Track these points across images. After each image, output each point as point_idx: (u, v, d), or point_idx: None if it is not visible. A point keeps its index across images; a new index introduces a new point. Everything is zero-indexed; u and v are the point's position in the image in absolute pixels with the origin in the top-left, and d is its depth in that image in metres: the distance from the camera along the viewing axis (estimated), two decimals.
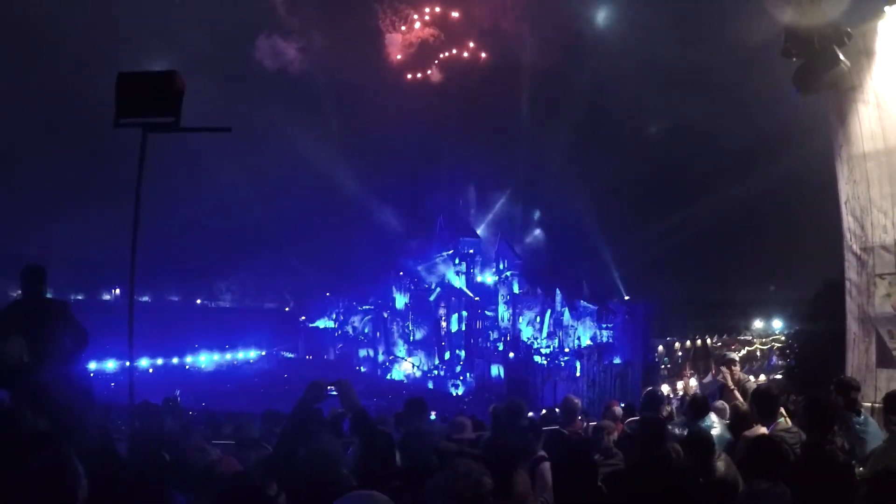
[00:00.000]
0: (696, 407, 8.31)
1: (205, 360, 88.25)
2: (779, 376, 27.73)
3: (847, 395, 7.20)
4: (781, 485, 4.90)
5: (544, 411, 12.76)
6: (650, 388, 13.15)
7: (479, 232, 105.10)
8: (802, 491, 4.96)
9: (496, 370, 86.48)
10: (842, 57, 9.17)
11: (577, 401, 9.19)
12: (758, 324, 68.06)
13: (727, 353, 11.30)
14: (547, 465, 6.18)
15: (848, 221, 10.07)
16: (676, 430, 7.77)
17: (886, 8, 9.36)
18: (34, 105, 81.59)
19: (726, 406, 9.22)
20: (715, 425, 7.89)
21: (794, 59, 9.69)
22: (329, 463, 4.25)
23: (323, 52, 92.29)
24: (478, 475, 3.65)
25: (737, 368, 10.73)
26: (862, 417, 6.89)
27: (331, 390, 4.87)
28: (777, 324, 61.94)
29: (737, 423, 8.02)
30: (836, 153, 10.25)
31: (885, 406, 6.36)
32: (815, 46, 9.24)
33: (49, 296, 6.69)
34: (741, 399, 9.54)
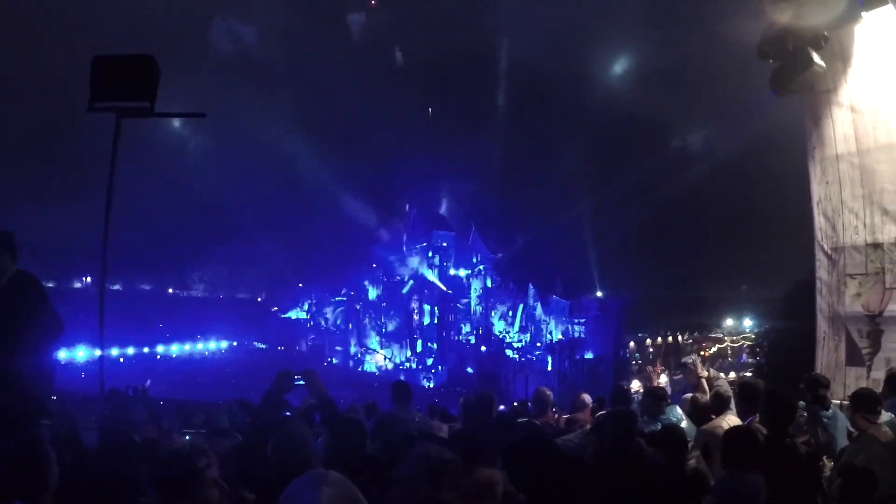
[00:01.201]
0: (655, 398, 8.35)
1: (176, 350, 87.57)
2: (749, 374, 27.96)
3: (815, 392, 7.28)
4: (756, 473, 4.95)
5: (515, 404, 12.79)
6: (619, 383, 13.30)
7: (452, 225, 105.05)
8: (767, 484, 5.02)
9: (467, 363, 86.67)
10: (817, 59, 9.27)
11: (549, 392, 9.21)
12: (729, 322, 68.64)
13: (685, 359, 11.36)
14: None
15: (820, 222, 10.21)
16: (645, 427, 7.82)
17: (864, 13, 9.46)
18: (3, 88, 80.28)
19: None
20: (682, 419, 7.94)
21: (771, 61, 9.78)
22: (298, 450, 4.23)
23: (287, 36, 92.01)
24: (450, 458, 3.67)
25: (699, 366, 10.80)
26: (830, 412, 6.97)
27: (298, 380, 4.86)
28: (748, 322, 62.53)
29: (695, 414, 8.09)
30: (809, 154, 10.38)
31: (855, 404, 6.44)
32: (790, 49, 9.33)
33: (17, 268, 6.18)
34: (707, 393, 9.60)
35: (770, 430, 5.79)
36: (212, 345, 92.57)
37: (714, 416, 7.86)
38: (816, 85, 9.88)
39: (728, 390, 8.68)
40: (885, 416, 6.63)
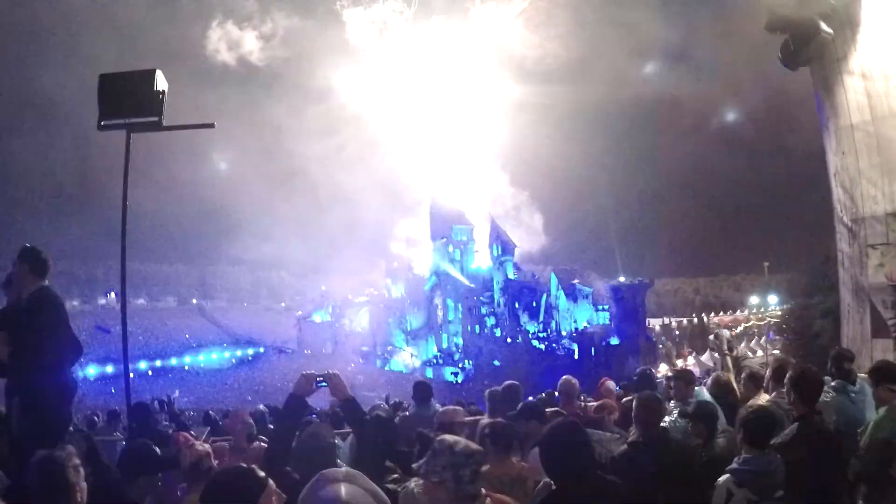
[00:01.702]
0: (683, 382, 8.30)
1: (203, 359, 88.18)
2: (776, 352, 27.72)
3: (840, 367, 7.20)
4: (772, 453, 4.93)
5: (542, 395, 12.75)
6: (644, 367, 13.20)
7: (471, 217, 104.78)
8: (795, 463, 4.98)
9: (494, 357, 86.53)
10: (824, 26, 9.16)
11: (574, 381, 9.18)
12: (754, 300, 68.16)
13: (718, 332, 11.32)
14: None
15: (838, 193, 10.09)
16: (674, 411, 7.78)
17: None
18: (16, 109, 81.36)
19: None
20: (708, 401, 7.89)
21: (779, 34, 9.69)
22: (322, 451, 4.26)
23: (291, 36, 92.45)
24: (475, 449, 3.67)
25: (729, 344, 10.75)
26: (857, 386, 6.89)
27: (320, 382, 4.88)
28: (773, 299, 62.05)
29: (718, 393, 8.04)
30: (823, 125, 10.25)
31: (875, 377, 6.37)
32: (798, 20, 9.23)
33: (46, 284, 6.14)
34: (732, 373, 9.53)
35: (797, 408, 5.74)
36: (239, 352, 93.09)
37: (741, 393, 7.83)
38: (826, 55, 9.77)
39: (759, 369, 8.62)
40: None
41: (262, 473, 3.10)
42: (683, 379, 8.41)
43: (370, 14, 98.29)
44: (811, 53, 9.56)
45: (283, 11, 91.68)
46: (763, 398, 7.57)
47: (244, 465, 3.16)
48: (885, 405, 6.07)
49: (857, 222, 9.79)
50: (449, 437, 3.80)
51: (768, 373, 8.24)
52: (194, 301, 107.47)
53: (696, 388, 8.23)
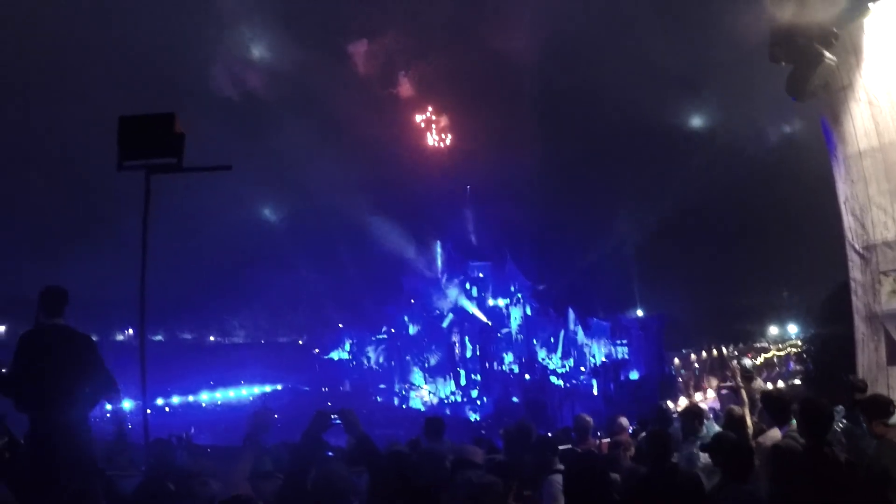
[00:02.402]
0: (690, 418, 8.33)
1: (220, 396, 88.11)
2: (797, 381, 27.50)
3: (853, 397, 7.21)
4: (755, 483, 5.02)
5: (558, 431, 12.77)
6: (659, 402, 13.19)
7: (487, 254, 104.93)
8: (807, 493, 5.00)
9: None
10: (828, 55, 9.24)
11: (588, 419, 9.22)
12: (773, 330, 67.55)
13: (742, 361, 11.24)
14: (558, 477, 6.20)
15: (848, 221, 10.10)
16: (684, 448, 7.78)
17: (871, 5, 9.45)
18: (38, 148, 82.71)
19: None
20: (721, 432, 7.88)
21: (783, 65, 9.78)
22: (336, 489, 4.32)
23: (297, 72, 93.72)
24: (491, 480, 3.72)
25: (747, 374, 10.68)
26: None
27: (335, 419, 4.94)
28: (792, 329, 61.48)
29: (731, 427, 8.03)
30: (832, 154, 10.30)
31: (866, 413, 6.37)
32: (801, 49, 9.33)
33: (64, 323, 6.27)
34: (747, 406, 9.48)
35: (807, 440, 5.74)
36: (256, 389, 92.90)
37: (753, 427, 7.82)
38: (831, 83, 9.85)
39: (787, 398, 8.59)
40: None
41: None
42: (689, 415, 8.43)
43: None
44: (817, 82, 9.64)
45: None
46: (777, 432, 7.57)
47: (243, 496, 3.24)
48: (878, 439, 6.09)
49: (869, 249, 9.79)
50: (468, 472, 3.86)
51: (763, 407, 8.23)
52: (211, 338, 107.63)
53: (707, 422, 8.22)
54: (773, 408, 7.35)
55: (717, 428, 8.11)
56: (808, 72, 9.46)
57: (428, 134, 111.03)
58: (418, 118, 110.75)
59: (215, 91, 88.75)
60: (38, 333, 6.25)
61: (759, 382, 11.40)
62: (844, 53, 9.58)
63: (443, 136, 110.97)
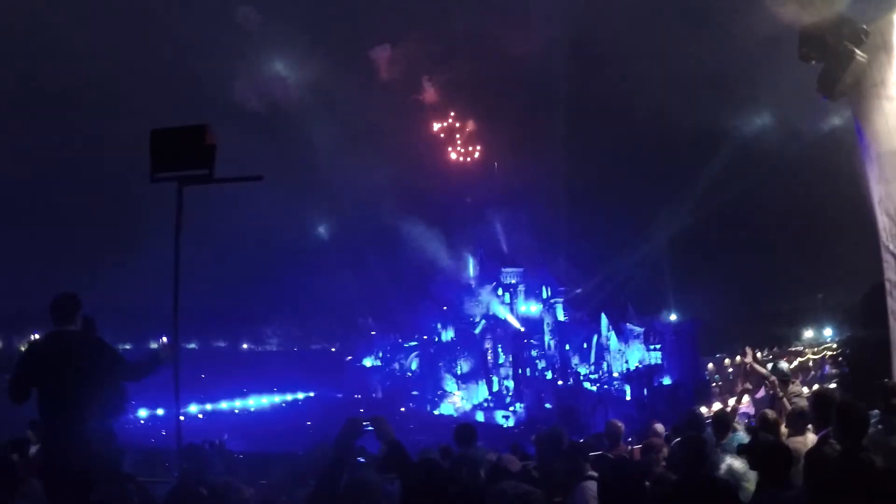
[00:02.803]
0: (721, 426, 8.26)
1: (253, 403, 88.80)
2: (833, 385, 27.10)
3: (888, 402, 7.08)
4: (794, 488, 4.95)
5: (590, 437, 12.72)
6: (691, 408, 13.07)
7: (519, 261, 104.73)
8: (843, 500, 4.92)
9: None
10: (859, 52, 9.10)
11: (620, 424, 9.18)
12: (809, 333, 66.67)
13: (777, 364, 11.17)
14: (592, 483, 6.18)
15: (883, 221, 9.91)
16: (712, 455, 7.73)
17: None
18: (71, 160, 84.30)
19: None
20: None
21: (814, 63, 9.66)
22: (368, 495, 4.33)
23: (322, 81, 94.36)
24: (527, 490, 3.72)
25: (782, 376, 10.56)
26: None
27: (367, 426, 4.96)
28: (828, 332, 60.62)
29: (765, 430, 7.92)
30: (864, 153, 10.13)
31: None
32: (832, 47, 9.21)
33: (74, 329, 6.30)
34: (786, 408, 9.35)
35: (843, 445, 5.65)
36: (289, 397, 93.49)
37: (786, 432, 7.72)
38: (863, 81, 9.67)
39: (806, 407, 8.48)
40: None
41: None
42: (718, 423, 8.37)
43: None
44: (848, 81, 9.50)
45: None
46: (810, 438, 7.47)
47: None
48: None
49: None
50: (503, 483, 3.86)
51: (809, 408, 8.12)
52: (245, 346, 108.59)
53: (736, 430, 8.15)
54: (822, 407, 7.23)
55: (741, 435, 8.02)
56: (839, 70, 9.32)
57: (457, 138, 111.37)
58: (444, 124, 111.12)
59: (240, 103, 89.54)
60: (44, 340, 6.34)
61: (797, 386, 11.26)
62: (875, 50, 9.42)
63: (471, 142, 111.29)
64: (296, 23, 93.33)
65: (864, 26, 9.13)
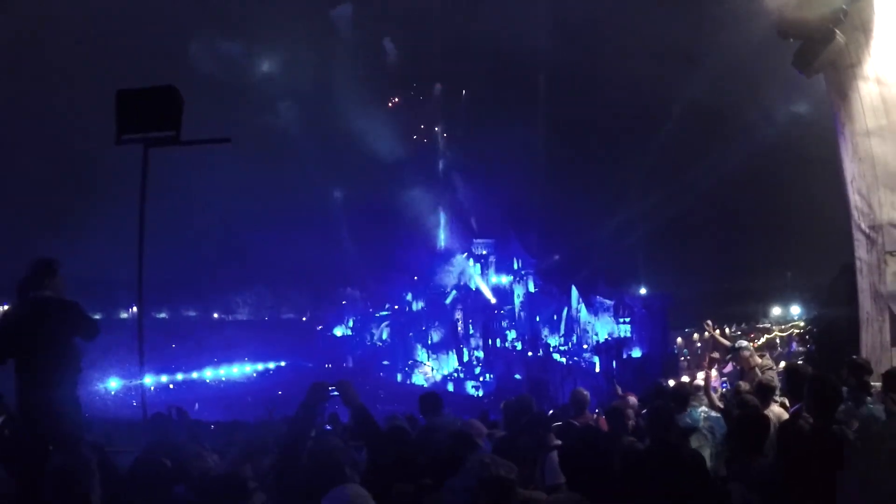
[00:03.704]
0: (679, 397, 8.34)
1: (224, 373, 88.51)
2: (800, 362, 27.48)
3: (860, 378, 7.15)
4: (765, 457, 5.00)
5: (557, 408, 12.80)
6: (657, 380, 13.27)
7: (491, 231, 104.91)
8: (814, 472, 4.95)
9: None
10: (838, 32, 9.11)
11: (585, 393, 9.21)
12: (776, 311, 67.60)
13: (735, 344, 11.30)
14: (555, 454, 6.18)
15: (855, 200, 9.99)
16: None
17: None
18: (32, 124, 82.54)
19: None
20: (699, 421, 7.87)
21: (792, 41, 9.66)
22: (332, 462, 4.25)
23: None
24: (501, 464, 3.68)
25: (747, 354, 10.68)
26: (874, 397, 6.85)
27: (332, 391, 4.89)
28: (795, 310, 61.50)
29: (736, 405, 8.01)
30: (839, 132, 10.18)
31: (885, 384, 6.33)
32: (810, 26, 9.20)
33: (50, 294, 6.13)
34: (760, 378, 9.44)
35: (815, 418, 5.69)
36: (259, 366, 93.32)
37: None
38: (839, 60, 9.70)
39: (773, 380, 8.58)
40: None
41: (251, 483, 3.14)
42: (677, 397, 8.44)
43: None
44: (825, 59, 9.52)
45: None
46: (776, 409, 7.55)
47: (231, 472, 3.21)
48: (892, 415, 6.07)
49: (875, 229, 9.69)
50: (480, 456, 3.82)
51: (781, 381, 8.21)
52: (215, 315, 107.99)
53: (693, 407, 8.20)
54: (795, 382, 7.29)
55: (698, 412, 8.08)
56: (817, 48, 9.34)
57: (426, 107, 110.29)
58: (412, 92, 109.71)
59: (199, 66, 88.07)
60: (17, 308, 6.20)
61: (767, 359, 11.37)
62: (853, 31, 9.43)
63: (436, 110, 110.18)
64: None
65: (844, 6, 9.12)
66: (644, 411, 9.42)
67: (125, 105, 8.15)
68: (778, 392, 8.68)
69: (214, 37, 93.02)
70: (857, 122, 9.77)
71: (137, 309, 7.94)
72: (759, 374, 9.77)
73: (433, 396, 8.02)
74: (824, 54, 9.39)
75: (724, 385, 13.02)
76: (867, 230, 9.85)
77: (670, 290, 76.72)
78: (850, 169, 10.05)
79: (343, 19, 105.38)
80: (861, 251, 9.99)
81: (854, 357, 7.94)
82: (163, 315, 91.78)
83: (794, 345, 49.28)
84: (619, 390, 11.69)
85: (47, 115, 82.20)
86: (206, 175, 77.85)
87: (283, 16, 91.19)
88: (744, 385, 8.79)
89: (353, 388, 5.00)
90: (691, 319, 68.15)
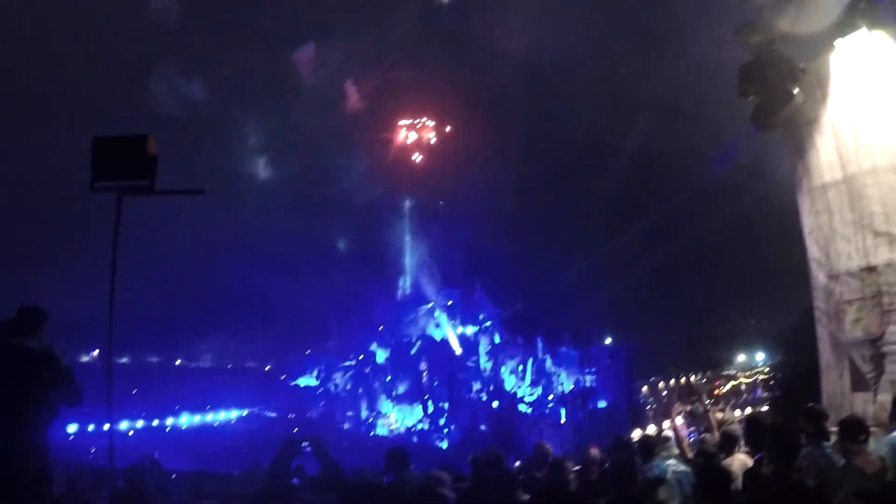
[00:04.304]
0: (646, 449, 8.43)
1: (186, 421, 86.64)
2: (765, 408, 27.85)
3: (817, 424, 7.31)
4: None
5: (519, 462, 12.81)
6: (618, 434, 13.38)
7: (456, 282, 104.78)
8: None
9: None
10: (796, 92, 9.49)
11: (548, 447, 9.30)
12: (741, 357, 68.32)
13: (693, 408, 11.54)
14: None
15: (813, 251, 10.31)
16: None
17: (837, 41, 9.75)
18: (6, 167, 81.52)
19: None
20: (666, 471, 7.95)
21: (752, 98, 10.02)
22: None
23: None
24: None
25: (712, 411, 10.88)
26: (832, 442, 7.00)
27: (305, 447, 4.92)
28: (760, 356, 62.24)
29: (702, 457, 8.13)
30: (797, 186, 10.53)
31: (841, 433, 6.49)
32: (769, 84, 9.57)
33: (31, 345, 6.13)
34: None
35: (775, 467, 5.84)
36: (222, 415, 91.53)
37: (724, 457, 7.92)
38: (797, 117, 10.09)
39: (737, 431, 8.75)
40: (891, 437, 6.71)
41: None
42: (643, 447, 8.53)
43: None
44: (783, 116, 9.89)
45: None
46: (739, 458, 7.70)
47: None
48: (848, 462, 6.23)
49: (833, 279, 9.99)
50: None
51: (742, 431, 8.38)
52: (178, 362, 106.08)
53: (662, 458, 8.28)
54: (754, 432, 7.45)
55: (665, 464, 8.18)
56: (776, 107, 9.70)
57: (388, 151, 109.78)
58: (377, 133, 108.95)
59: (158, 108, 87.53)
60: None
61: (729, 413, 11.56)
62: (810, 88, 9.84)
63: (407, 153, 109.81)
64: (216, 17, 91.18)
65: (802, 66, 9.52)
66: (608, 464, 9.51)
67: (100, 152, 8.18)
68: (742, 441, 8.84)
69: (175, 77, 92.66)
70: (815, 175, 10.14)
71: (107, 356, 7.89)
72: (716, 429, 9.92)
73: (400, 451, 8.02)
74: (783, 112, 9.76)
75: (692, 435, 13.16)
76: (825, 281, 10.15)
77: (635, 339, 77.18)
78: (808, 221, 10.39)
79: (306, 60, 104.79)
80: (819, 301, 10.27)
81: (810, 405, 8.12)
82: (124, 360, 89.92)
83: (760, 391, 49.79)
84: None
85: (24, 155, 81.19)
86: (172, 220, 77.22)
87: (245, 58, 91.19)
88: (708, 437, 8.93)
89: (325, 445, 5.05)
90: (657, 368, 68.51)
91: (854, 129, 9.66)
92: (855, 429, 6.36)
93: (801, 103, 9.69)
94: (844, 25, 9.53)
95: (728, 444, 8.19)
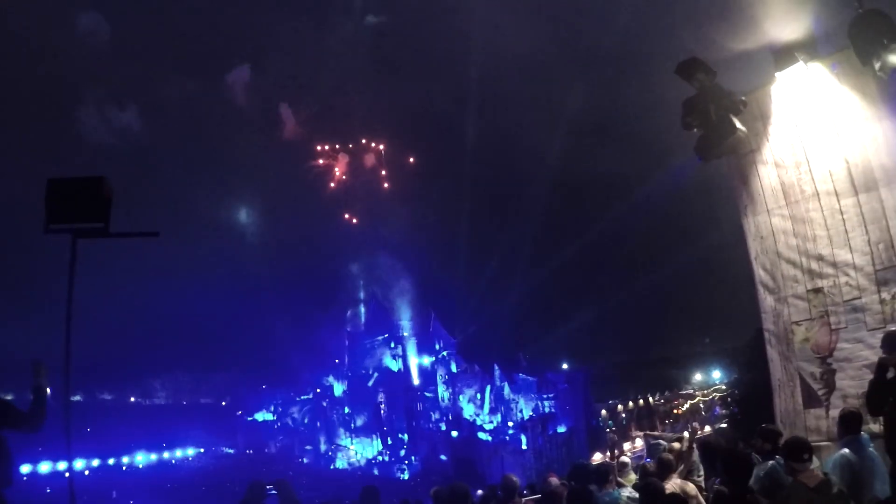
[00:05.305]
0: (600, 476, 8.55)
1: (142, 459, 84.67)
2: (724, 425, 28.29)
3: (774, 443, 7.55)
4: None
5: (480, 492, 12.77)
6: (576, 461, 13.49)
7: (411, 313, 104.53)
8: None
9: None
10: (738, 125, 9.86)
11: (515, 479, 9.31)
12: (698, 376, 69.25)
13: (651, 445, 11.82)
14: None
15: (760, 275, 10.64)
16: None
17: (777, 74, 10.17)
18: None
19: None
20: (630, 491, 8.11)
21: (695, 130, 10.37)
22: None
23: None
24: None
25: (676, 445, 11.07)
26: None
27: (271, 490, 4.95)
28: (716, 374, 63.20)
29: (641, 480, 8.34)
30: (742, 213, 10.89)
31: (785, 452, 6.71)
32: (712, 117, 9.92)
33: None
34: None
35: (730, 489, 6.04)
36: (178, 452, 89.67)
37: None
38: (740, 148, 10.47)
39: (668, 456, 8.96)
40: (838, 454, 6.97)
41: None
42: (598, 474, 8.66)
43: None
44: (726, 147, 10.25)
45: None
46: (675, 481, 7.94)
47: None
48: (793, 479, 6.45)
49: (781, 301, 10.32)
50: None
51: (695, 455, 8.58)
52: (132, 399, 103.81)
53: (621, 483, 8.44)
54: (708, 456, 7.66)
55: (624, 492, 8.33)
56: (719, 138, 10.06)
57: (330, 179, 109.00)
58: (317, 160, 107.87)
59: (90, 137, 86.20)
60: None
61: (683, 442, 11.69)
62: (752, 119, 10.24)
63: (351, 183, 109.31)
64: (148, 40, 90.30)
65: (743, 97, 9.90)
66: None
67: (55, 194, 8.13)
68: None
69: (106, 105, 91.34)
70: (759, 203, 10.51)
71: (64, 398, 7.79)
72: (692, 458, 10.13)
73: (372, 490, 8.06)
74: (726, 143, 10.12)
75: (648, 460, 13.32)
76: (773, 304, 10.47)
77: (592, 363, 77.74)
78: (753, 246, 10.74)
79: (239, 83, 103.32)
80: (768, 323, 10.58)
81: (764, 425, 8.37)
82: (77, 398, 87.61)
83: (718, 408, 50.49)
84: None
85: None
86: (126, 258, 76.00)
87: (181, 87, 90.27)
88: (649, 466, 9.14)
89: (290, 487, 5.08)
90: (616, 390, 69.01)
91: (795, 157, 10.08)
92: (798, 448, 6.57)
93: (744, 135, 10.07)
94: (783, 58, 9.97)
95: (663, 469, 8.41)
